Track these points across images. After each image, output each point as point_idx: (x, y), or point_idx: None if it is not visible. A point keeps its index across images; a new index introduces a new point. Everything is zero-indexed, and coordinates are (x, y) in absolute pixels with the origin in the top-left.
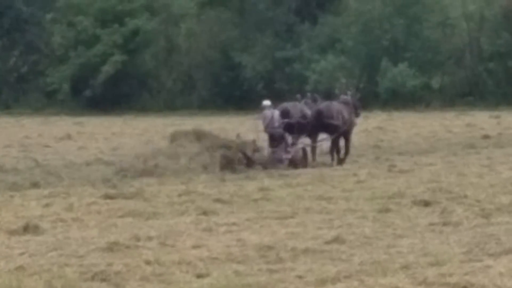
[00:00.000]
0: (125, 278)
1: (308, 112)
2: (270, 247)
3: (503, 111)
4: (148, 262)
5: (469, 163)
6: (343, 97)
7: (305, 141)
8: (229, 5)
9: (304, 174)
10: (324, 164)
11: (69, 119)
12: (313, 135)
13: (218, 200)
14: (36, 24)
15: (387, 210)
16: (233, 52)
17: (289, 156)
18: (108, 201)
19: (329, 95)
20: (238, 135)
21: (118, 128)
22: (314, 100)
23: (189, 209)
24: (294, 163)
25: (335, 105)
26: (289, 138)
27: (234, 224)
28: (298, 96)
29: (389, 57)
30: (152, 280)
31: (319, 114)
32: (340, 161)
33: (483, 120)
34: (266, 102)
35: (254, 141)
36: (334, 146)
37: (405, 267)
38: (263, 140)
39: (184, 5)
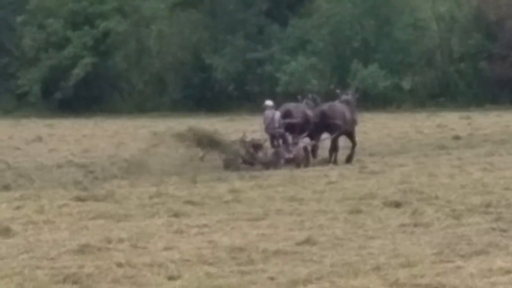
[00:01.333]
0: (96, 280)
1: (309, 112)
2: (241, 249)
3: (474, 112)
4: (119, 264)
5: (440, 164)
6: (344, 97)
7: (305, 140)
8: (200, 7)
9: (275, 176)
10: (325, 161)
11: (40, 122)
12: (316, 135)
13: (189, 202)
14: (6, 26)
15: (358, 211)
16: (204, 53)
17: (291, 155)
18: (79, 203)
19: (329, 96)
20: (244, 134)
21: (89, 130)
22: (314, 101)
23: (160, 211)
24: (297, 162)
25: (338, 106)
26: (290, 138)
27: (205, 226)
28: (299, 97)
29: (359, 58)
30: (123, 282)
31: (322, 115)
32: (349, 158)
33: (453, 121)
34: (268, 102)
35: (258, 140)
36: (333, 146)
37: (377, 268)
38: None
39: (155, 7)
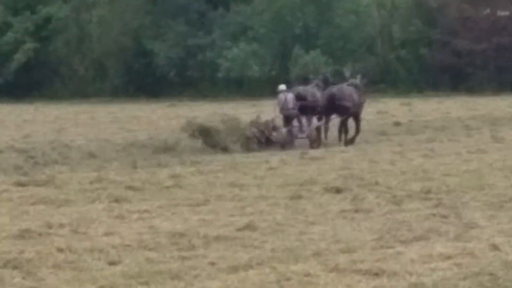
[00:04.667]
0: (37, 265)
1: (319, 94)
2: (182, 234)
3: (414, 98)
4: (60, 250)
5: (380, 150)
6: (352, 80)
7: (314, 121)
8: None
9: (216, 161)
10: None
11: None
12: (326, 116)
13: (130, 188)
14: None
15: (299, 197)
16: (145, 39)
17: (304, 135)
18: (20, 188)
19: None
20: (258, 116)
21: (30, 116)
22: (325, 83)
23: (101, 196)
24: (309, 142)
25: (347, 88)
26: (304, 119)
27: (146, 211)
28: (311, 77)
29: (301, 45)
30: (64, 268)
31: (332, 96)
32: (351, 141)
33: (394, 107)
34: (282, 86)
35: (272, 121)
36: (342, 127)
37: (317, 254)
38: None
39: None
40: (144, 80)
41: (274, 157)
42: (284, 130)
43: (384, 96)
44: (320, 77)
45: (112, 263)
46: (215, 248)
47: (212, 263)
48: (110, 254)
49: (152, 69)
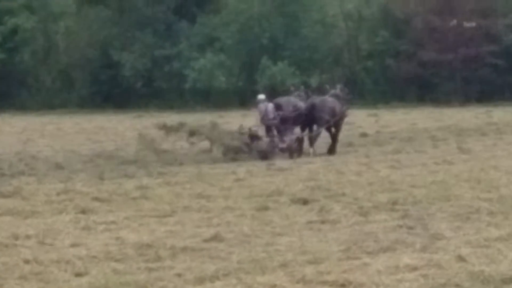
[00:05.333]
0: (3, 276)
1: (301, 104)
2: (149, 246)
3: (381, 109)
4: (26, 261)
5: (347, 161)
6: (332, 92)
7: (296, 131)
8: (108, 3)
9: (183, 172)
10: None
11: None
12: (309, 126)
13: (96, 199)
14: None
15: (266, 208)
16: (112, 50)
17: (285, 145)
18: None
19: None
20: (241, 125)
21: None
22: (306, 94)
23: (67, 208)
24: (289, 152)
25: (329, 100)
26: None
27: (113, 222)
28: (292, 88)
29: (268, 56)
30: (30, 279)
31: (313, 107)
32: (330, 151)
33: (361, 118)
34: (261, 96)
35: (256, 130)
36: (317, 137)
37: (284, 265)
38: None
39: (63, 3)
40: (111, 91)
41: (241, 168)
42: (265, 141)
43: (351, 107)
44: (301, 89)
45: (78, 275)
46: (182, 260)
47: (179, 275)
48: (76, 266)
49: (119, 80)
